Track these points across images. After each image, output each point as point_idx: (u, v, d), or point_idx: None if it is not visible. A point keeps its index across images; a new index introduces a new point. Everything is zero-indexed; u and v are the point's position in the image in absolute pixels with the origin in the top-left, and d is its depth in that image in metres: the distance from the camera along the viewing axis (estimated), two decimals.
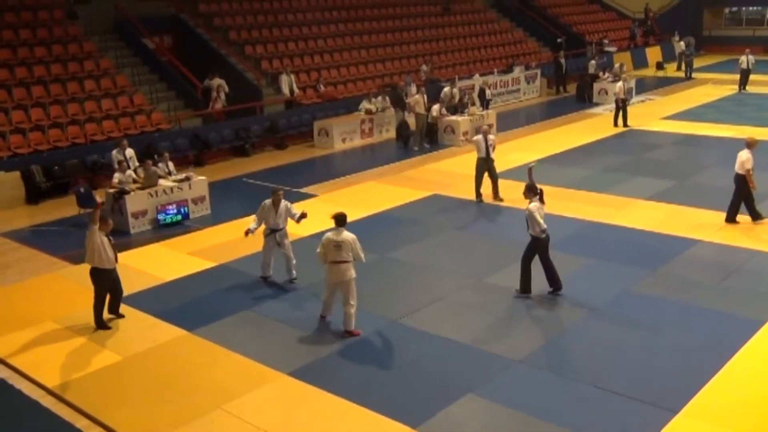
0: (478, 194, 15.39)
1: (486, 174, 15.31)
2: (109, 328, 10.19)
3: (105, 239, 10.02)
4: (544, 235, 10.45)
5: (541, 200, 10.57)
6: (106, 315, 10.38)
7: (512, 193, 14.88)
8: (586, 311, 10.29)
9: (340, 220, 9.80)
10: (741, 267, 11.59)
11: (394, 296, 10.97)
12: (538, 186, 10.70)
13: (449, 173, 17.93)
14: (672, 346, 9.25)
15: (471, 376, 8.75)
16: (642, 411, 7.91)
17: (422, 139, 21.07)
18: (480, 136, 15.26)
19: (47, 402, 8.57)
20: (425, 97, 21.19)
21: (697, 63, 33.11)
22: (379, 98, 22.68)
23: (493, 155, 15.26)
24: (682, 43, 35.07)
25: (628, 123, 22.33)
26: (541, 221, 10.35)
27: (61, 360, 9.42)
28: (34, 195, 16.74)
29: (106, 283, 10.18)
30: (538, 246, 10.56)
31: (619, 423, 7.75)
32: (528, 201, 10.58)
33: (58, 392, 8.69)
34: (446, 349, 9.39)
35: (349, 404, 8.21)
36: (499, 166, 17.62)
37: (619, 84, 22.68)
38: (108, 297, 10.37)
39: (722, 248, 12.42)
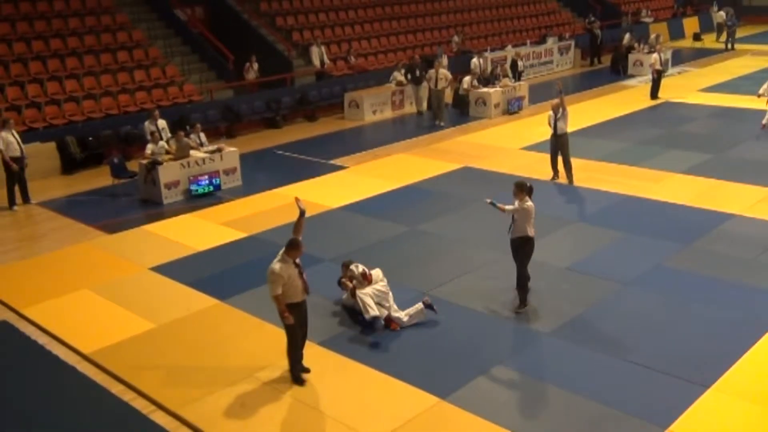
0: (555, 172, 14.69)
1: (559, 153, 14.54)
2: (303, 381, 8.26)
3: (295, 269, 8.03)
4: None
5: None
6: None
7: (546, 167, 14.78)
8: (618, 285, 10.20)
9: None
10: None
11: (423, 268, 10.97)
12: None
13: (480, 145, 17.79)
14: (704, 321, 9.15)
15: (500, 348, 8.76)
16: (672, 385, 7.86)
17: (440, 115, 20.33)
18: (551, 112, 14.38)
19: (83, 368, 8.76)
20: (446, 71, 20.48)
21: (737, 34, 32.29)
22: (404, 70, 22.43)
23: (562, 131, 14.25)
24: (721, 13, 34.22)
25: (660, 95, 21.91)
26: None
27: (97, 327, 9.61)
28: (69, 165, 16.99)
29: (297, 318, 8.16)
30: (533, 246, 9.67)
31: (649, 396, 7.71)
32: (521, 199, 9.63)
33: (94, 358, 8.87)
34: (475, 321, 9.39)
35: (379, 374, 8.28)
36: (531, 139, 17.47)
37: (655, 55, 22.28)
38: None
39: (759, 223, 12.19)
